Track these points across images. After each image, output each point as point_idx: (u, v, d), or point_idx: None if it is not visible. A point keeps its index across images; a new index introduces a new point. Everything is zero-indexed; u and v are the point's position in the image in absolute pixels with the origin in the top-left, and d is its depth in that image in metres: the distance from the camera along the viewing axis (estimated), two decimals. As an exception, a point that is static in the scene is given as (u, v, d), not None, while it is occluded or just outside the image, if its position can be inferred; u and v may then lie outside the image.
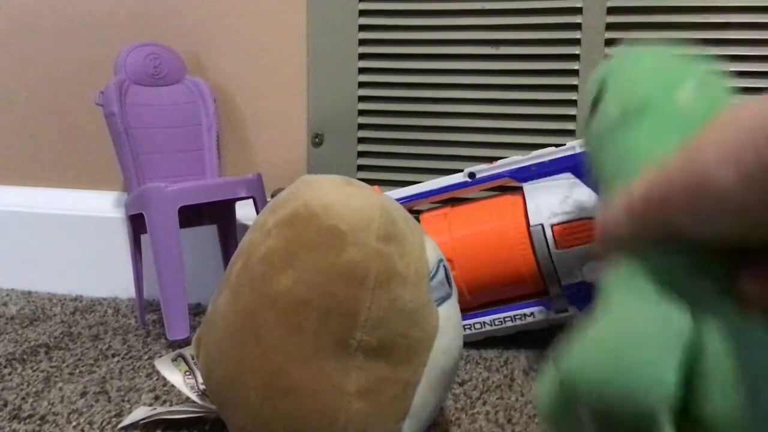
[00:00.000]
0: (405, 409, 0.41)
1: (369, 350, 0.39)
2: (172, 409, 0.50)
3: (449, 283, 0.44)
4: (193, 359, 0.51)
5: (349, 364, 0.39)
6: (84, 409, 0.53)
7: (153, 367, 0.61)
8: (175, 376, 0.50)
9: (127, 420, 0.50)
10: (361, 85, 0.77)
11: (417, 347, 0.41)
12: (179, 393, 0.56)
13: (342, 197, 0.41)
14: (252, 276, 0.41)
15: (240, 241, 0.45)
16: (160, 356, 0.55)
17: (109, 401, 0.55)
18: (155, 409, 0.51)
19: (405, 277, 0.40)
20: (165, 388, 0.57)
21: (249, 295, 0.41)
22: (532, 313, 0.63)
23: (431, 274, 0.42)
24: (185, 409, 0.50)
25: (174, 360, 0.51)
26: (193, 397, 0.48)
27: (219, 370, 0.42)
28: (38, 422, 0.51)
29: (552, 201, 0.61)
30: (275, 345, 0.39)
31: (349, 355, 0.39)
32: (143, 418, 0.50)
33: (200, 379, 0.48)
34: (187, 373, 0.50)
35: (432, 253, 0.43)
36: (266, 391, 0.40)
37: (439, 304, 0.42)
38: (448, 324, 0.43)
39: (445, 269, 0.44)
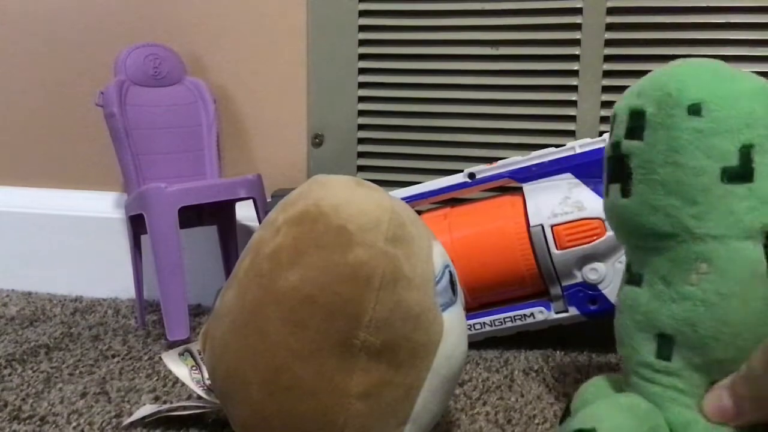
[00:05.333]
0: (406, 414, 0.41)
1: (372, 351, 0.39)
2: (177, 405, 0.51)
3: (454, 290, 0.44)
4: (200, 354, 0.51)
5: (351, 364, 0.39)
6: (84, 410, 0.53)
7: (153, 367, 0.61)
8: (181, 369, 0.50)
9: (134, 416, 0.50)
10: (361, 85, 0.77)
11: (420, 351, 0.41)
12: (179, 393, 0.56)
13: (352, 198, 0.41)
14: (259, 272, 0.41)
15: (239, 241, 0.45)
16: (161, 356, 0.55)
17: (109, 402, 0.55)
18: (161, 405, 0.51)
19: (411, 279, 0.40)
20: (165, 389, 0.57)
21: (255, 291, 0.41)
22: (532, 314, 0.63)
23: (436, 279, 0.42)
24: (190, 404, 0.50)
25: (181, 354, 0.51)
26: (199, 391, 0.49)
27: (223, 364, 0.42)
28: (38, 423, 0.51)
29: (552, 201, 0.61)
30: (278, 341, 0.39)
31: (352, 355, 0.39)
32: (149, 415, 0.50)
33: (206, 374, 0.48)
34: (194, 368, 0.50)
35: (439, 258, 0.43)
36: (268, 386, 0.40)
37: (443, 310, 0.42)
38: (453, 330, 0.42)
39: (451, 275, 0.43)
